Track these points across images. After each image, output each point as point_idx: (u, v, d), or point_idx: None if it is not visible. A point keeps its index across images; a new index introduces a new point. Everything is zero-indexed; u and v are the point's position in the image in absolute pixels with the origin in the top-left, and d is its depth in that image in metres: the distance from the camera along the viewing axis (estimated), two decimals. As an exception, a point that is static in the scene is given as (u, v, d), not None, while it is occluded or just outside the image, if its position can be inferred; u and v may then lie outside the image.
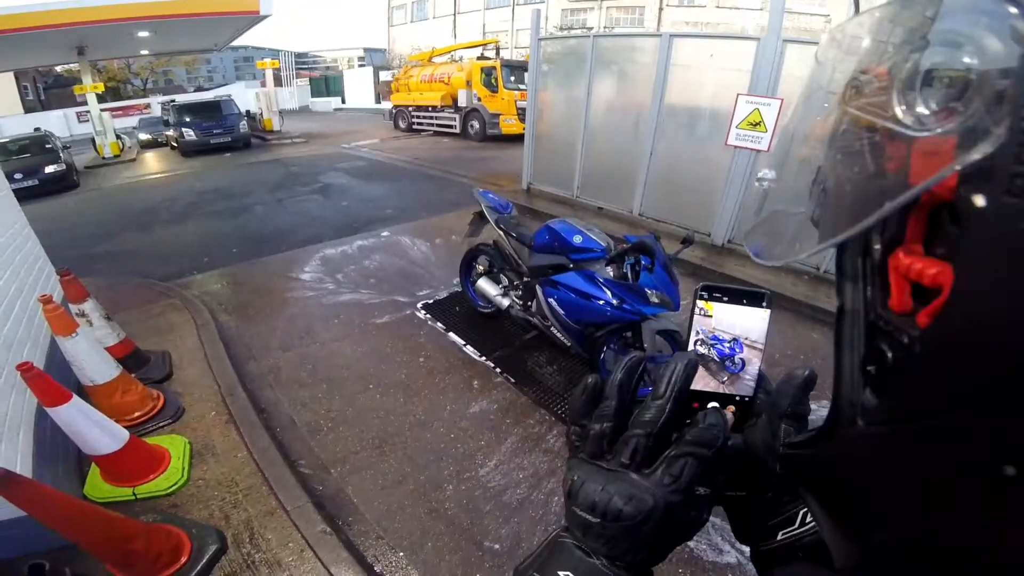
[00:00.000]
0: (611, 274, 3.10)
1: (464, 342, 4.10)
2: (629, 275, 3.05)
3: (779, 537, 0.48)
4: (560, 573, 0.43)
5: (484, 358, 3.88)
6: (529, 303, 3.68)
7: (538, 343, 3.98)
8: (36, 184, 10.80)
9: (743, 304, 0.47)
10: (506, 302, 3.87)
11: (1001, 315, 0.21)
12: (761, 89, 4.86)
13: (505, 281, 4.01)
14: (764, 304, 0.47)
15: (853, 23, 0.33)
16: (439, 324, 4.38)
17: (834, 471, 0.35)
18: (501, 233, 3.80)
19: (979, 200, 0.22)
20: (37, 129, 14.78)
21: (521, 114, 12.35)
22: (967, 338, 0.23)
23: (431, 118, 16.57)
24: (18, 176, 10.30)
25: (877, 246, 0.31)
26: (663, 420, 0.41)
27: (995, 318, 0.21)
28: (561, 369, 3.70)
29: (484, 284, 4.05)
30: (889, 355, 0.28)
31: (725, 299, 0.47)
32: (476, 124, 14.67)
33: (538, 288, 3.42)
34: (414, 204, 8.26)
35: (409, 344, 4.09)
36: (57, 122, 23.11)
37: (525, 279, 3.68)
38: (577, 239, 3.26)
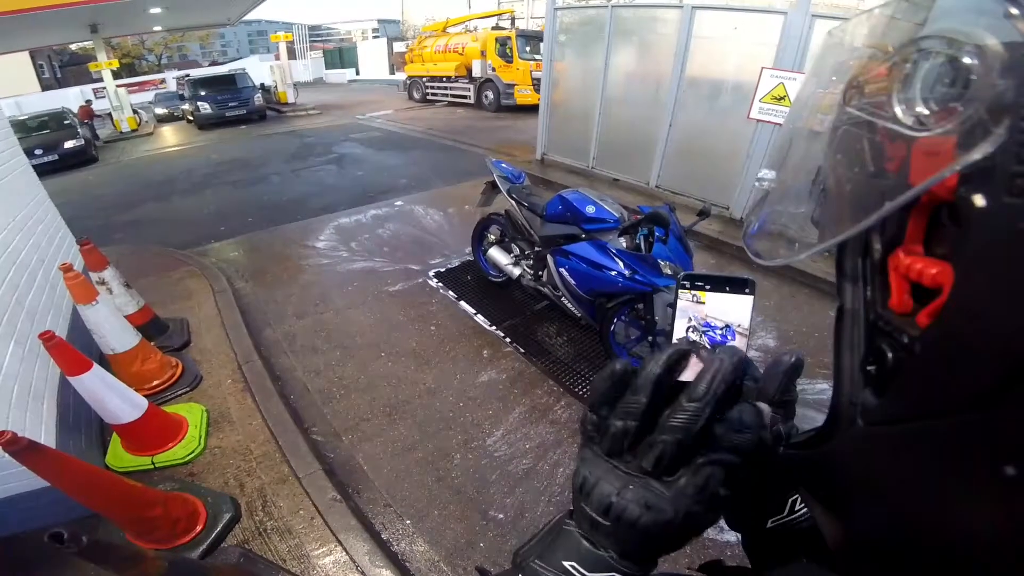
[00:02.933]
0: (624, 245, 3.05)
1: (475, 311, 4.11)
2: (642, 246, 3.00)
3: (769, 525, 0.48)
4: (565, 563, 0.41)
5: (494, 327, 3.88)
6: (540, 273, 3.66)
7: (548, 313, 3.97)
8: (56, 159, 10.97)
9: (726, 292, 0.46)
10: (517, 271, 3.85)
11: (1001, 315, 0.21)
12: (787, 63, 4.70)
13: (516, 251, 3.98)
14: (747, 291, 0.46)
15: (853, 23, 0.32)
16: (451, 292, 4.39)
17: (834, 470, 0.35)
18: (513, 203, 3.75)
19: (979, 200, 0.22)
20: (88, 101, 14.97)
21: (536, 84, 12.07)
22: (967, 338, 0.23)
23: (445, 88, 16.38)
24: (38, 152, 10.48)
25: (877, 246, 0.31)
26: (697, 428, 0.36)
27: (995, 318, 0.22)
28: (571, 340, 3.68)
29: (495, 253, 4.03)
30: (889, 355, 0.29)
31: (708, 288, 0.47)
32: (490, 94, 14.45)
33: (549, 258, 3.39)
34: (428, 174, 8.22)
35: (421, 312, 4.12)
36: (74, 99, 23.23)
37: (536, 249, 3.65)
38: (590, 209, 3.21)
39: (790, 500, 0.47)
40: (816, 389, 2.39)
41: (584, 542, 0.41)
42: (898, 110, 0.26)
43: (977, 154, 0.21)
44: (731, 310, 0.46)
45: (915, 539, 0.29)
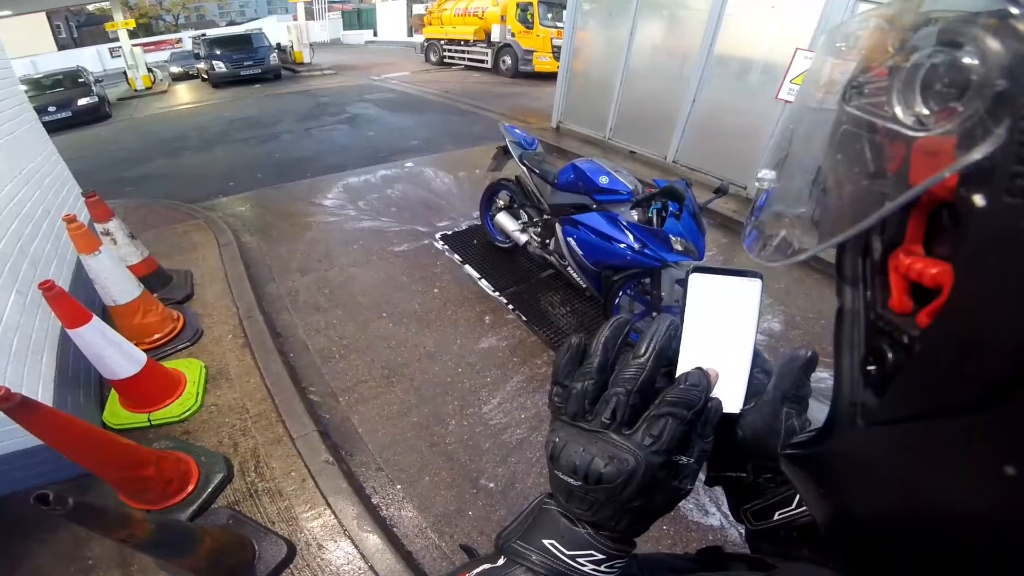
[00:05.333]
0: (635, 217, 2.96)
1: (479, 275, 4.06)
2: (655, 220, 2.90)
3: (775, 517, 0.50)
4: (545, 542, 0.42)
5: (498, 293, 3.83)
6: (547, 241, 3.60)
7: (553, 282, 3.91)
8: (70, 116, 11.01)
9: (733, 284, 0.45)
10: (524, 238, 3.78)
11: (1001, 315, 0.21)
12: (823, 46, 4.52)
13: (525, 217, 3.91)
14: (754, 284, 0.46)
15: (854, 22, 0.32)
16: (456, 256, 4.35)
17: (834, 469, 0.35)
18: (524, 169, 3.66)
19: (979, 200, 0.22)
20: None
21: (556, 52, 11.86)
22: (967, 338, 0.23)
23: (463, 52, 16.04)
24: (51, 109, 10.57)
25: (877, 246, 0.31)
26: (643, 378, 0.40)
27: (995, 318, 0.21)
28: (574, 311, 3.62)
29: (503, 218, 3.96)
30: (889, 355, 0.29)
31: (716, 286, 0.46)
32: (508, 60, 14.13)
33: (558, 226, 3.30)
34: (440, 136, 8.10)
35: (425, 274, 4.08)
36: (90, 58, 23.90)
37: (545, 216, 3.57)
38: (603, 180, 3.11)
39: (797, 496, 0.48)
40: (817, 378, 2.34)
41: (563, 519, 0.43)
42: (898, 110, 0.26)
43: (977, 154, 0.21)
44: (738, 302, 0.45)
45: (913, 537, 0.29)
